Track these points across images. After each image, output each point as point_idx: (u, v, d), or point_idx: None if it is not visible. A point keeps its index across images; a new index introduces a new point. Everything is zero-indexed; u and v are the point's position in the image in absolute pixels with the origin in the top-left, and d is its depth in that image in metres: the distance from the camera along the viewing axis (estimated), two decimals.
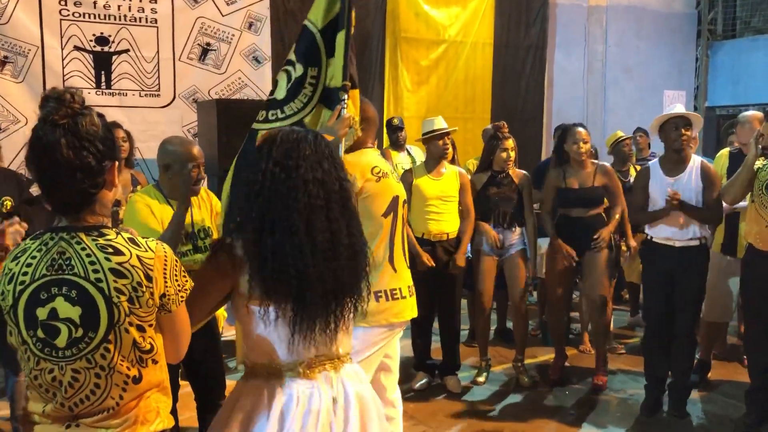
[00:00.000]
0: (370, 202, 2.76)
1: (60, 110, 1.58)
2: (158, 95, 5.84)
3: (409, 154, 5.85)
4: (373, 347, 2.78)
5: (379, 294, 2.74)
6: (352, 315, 1.85)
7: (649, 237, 4.16)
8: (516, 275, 4.67)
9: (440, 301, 4.63)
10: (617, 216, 4.54)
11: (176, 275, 1.68)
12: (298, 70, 2.78)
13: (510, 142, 4.59)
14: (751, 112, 4.50)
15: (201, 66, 6.00)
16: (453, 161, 4.91)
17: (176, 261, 1.70)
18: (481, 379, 4.75)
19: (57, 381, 1.57)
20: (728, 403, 4.38)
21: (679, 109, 4.09)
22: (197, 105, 5.70)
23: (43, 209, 3.00)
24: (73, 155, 1.56)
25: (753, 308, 3.90)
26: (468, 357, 5.10)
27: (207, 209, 3.13)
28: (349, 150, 2.94)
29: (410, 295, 2.88)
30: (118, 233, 1.63)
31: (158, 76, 5.83)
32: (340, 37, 2.81)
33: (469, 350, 5.26)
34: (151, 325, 1.64)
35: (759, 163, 3.87)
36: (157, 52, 5.81)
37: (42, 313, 1.55)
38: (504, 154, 4.56)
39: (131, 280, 1.58)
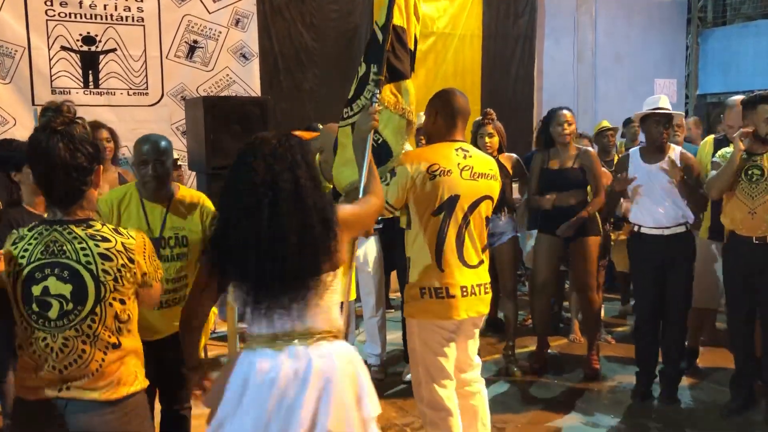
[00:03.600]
0: (419, 198, 2.81)
1: (58, 119, 1.87)
2: (146, 94, 5.85)
3: None
4: (440, 340, 2.88)
5: (424, 290, 2.84)
6: (317, 295, 1.99)
7: (635, 228, 4.17)
8: (507, 264, 4.69)
9: None
10: (596, 201, 4.52)
11: (153, 257, 2.05)
12: (361, 69, 2.85)
13: (489, 128, 4.55)
14: (738, 96, 4.49)
15: (189, 63, 6.00)
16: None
17: (151, 246, 2.06)
18: None
19: (49, 347, 1.86)
20: (716, 389, 4.41)
21: (664, 102, 4.10)
22: (185, 102, 5.71)
23: (25, 210, 3.07)
24: (68, 156, 1.85)
25: (736, 294, 3.93)
26: None
27: (193, 214, 2.99)
28: (431, 139, 3.00)
29: (464, 295, 2.85)
30: (103, 224, 1.96)
31: (146, 75, 5.83)
32: (377, 29, 2.84)
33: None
34: (129, 298, 1.96)
35: (729, 150, 3.89)
36: (144, 50, 5.81)
37: (36, 290, 1.84)
38: (481, 140, 4.55)
39: (116, 262, 1.90)
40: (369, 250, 4.67)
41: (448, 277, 2.83)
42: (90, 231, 1.90)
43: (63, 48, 5.52)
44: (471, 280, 2.88)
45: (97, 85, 5.66)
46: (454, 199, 2.81)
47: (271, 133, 2.03)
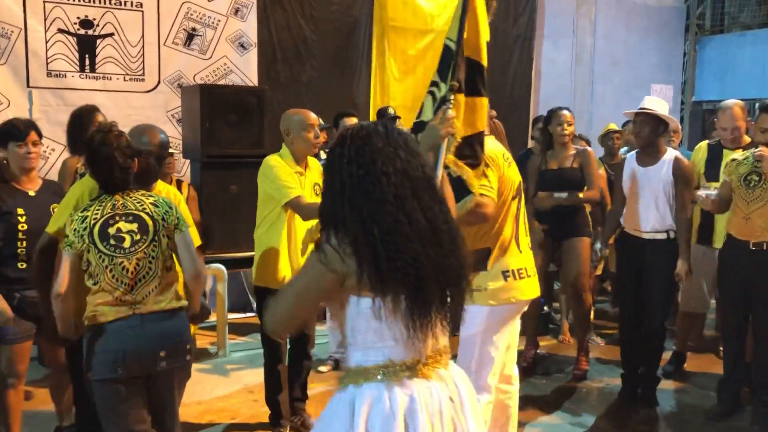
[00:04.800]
0: (505, 186, 2.91)
1: (109, 137, 2.59)
2: (143, 80, 5.80)
3: None
4: (503, 325, 2.95)
5: (507, 273, 2.91)
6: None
7: (622, 228, 4.22)
8: None
9: None
10: (589, 193, 4.56)
11: (181, 210, 2.77)
12: (441, 89, 2.76)
13: None
14: (732, 100, 4.51)
15: (186, 51, 5.96)
16: None
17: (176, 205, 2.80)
18: None
19: (125, 269, 2.54)
20: (702, 393, 4.44)
21: (647, 102, 4.09)
22: (181, 90, 5.68)
23: (12, 187, 3.25)
24: (123, 162, 2.61)
25: (729, 298, 3.96)
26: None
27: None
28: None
29: (534, 275, 3.02)
30: (146, 189, 2.78)
31: (143, 61, 5.79)
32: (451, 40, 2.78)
33: (450, 340, 5.29)
34: (171, 237, 2.66)
35: (738, 155, 3.92)
36: (142, 36, 5.77)
37: (111, 230, 2.56)
38: None
39: (161, 209, 2.66)
40: None
41: (526, 258, 2.99)
42: (140, 192, 2.69)
43: (60, 30, 5.47)
44: (532, 261, 3.06)
45: (93, 70, 5.61)
46: (521, 184, 3.01)
47: (358, 125, 1.81)
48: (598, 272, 5.47)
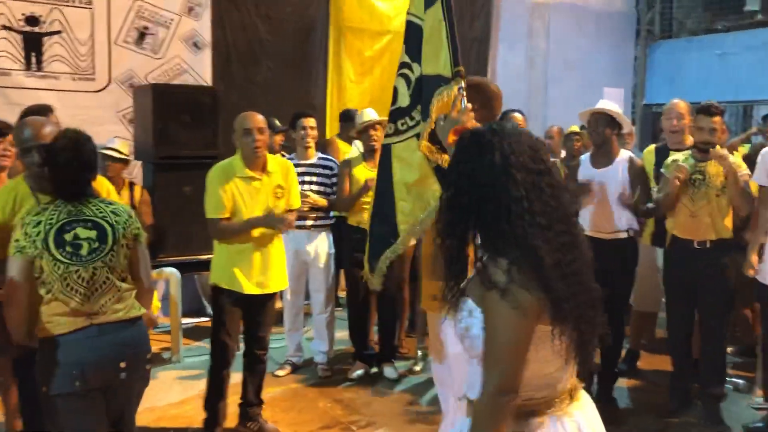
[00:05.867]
0: None
1: (73, 143, 2.47)
2: (92, 79, 5.64)
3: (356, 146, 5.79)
4: None
5: None
6: None
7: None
8: None
9: (378, 290, 4.63)
10: None
11: (140, 222, 2.68)
12: (415, 71, 2.62)
13: None
14: (677, 100, 4.65)
15: (138, 50, 5.82)
16: None
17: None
18: (417, 368, 4.79)
19: (81, 278, 2.42)
20: (655, 390, 4.53)
21: (604, 104, 4.16)
22: (133, 90, 5.55)
23: None
24: (84, 170, 2.51)
25: (675, 297, 4.05)
26: (407, 346, 5.14)
27: None
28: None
29: None
30: (107, 196, 2.90)
31: (93, 60, 5.63)
32: (436, 19, 2.60)
33: (408, 340, 5.29)
34: (130, 248, 2.58)
35: (680, 156, 4.02)
36: (92, 34, 5.61)
37: (68, 237, 2.43)
38: None
39: (122, 217, 2.57)
40: (320, 245, 4.62)
41: None
42: (99, 199, 2.60)
43: (4, 27, 5.27)
44: None
45: (39, 68, 5.43)
46: None
47: (495, 125, 1.61)
48: None
